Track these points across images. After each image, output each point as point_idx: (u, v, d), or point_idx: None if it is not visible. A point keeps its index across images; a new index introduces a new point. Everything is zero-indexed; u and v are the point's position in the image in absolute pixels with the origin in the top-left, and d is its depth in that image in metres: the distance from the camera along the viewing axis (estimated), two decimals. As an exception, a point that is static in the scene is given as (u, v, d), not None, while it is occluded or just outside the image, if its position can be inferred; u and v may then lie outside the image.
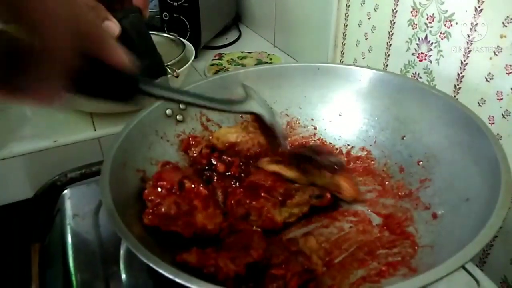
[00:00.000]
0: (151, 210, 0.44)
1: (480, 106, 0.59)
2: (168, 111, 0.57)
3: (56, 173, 0.66)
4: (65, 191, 0.61)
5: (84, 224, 0.55)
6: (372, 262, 0.44)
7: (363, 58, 0.81)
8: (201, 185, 0.46)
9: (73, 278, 0.48)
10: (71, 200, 0.59)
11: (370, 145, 0.59)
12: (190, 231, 0.44)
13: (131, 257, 0.48)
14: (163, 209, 0.43)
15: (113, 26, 0.47)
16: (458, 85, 0.62)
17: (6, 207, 0.71)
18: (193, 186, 0.46)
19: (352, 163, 0.59)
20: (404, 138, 0.56)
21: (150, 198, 0.44)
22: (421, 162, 0.52)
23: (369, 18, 0.77)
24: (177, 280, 0.32)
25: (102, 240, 0.52)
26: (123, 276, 0.47)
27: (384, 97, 0.59)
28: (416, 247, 0.44)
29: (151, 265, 0.34)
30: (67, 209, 0.58)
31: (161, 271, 0.33)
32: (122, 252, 0.49)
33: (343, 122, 0.62)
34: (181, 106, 0.59)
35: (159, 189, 0.45)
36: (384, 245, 0.46)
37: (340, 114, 0.62)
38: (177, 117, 0.58)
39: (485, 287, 0.45)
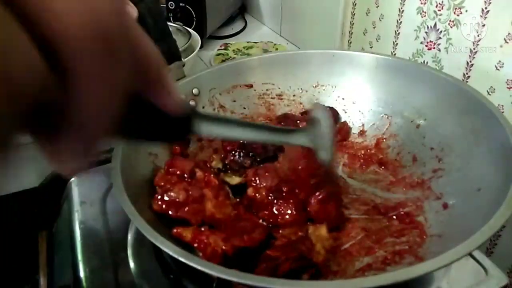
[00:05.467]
0: (159, 196, 0.44)
1: (490, 94, 0.58)
2: (181, 97, 0.57)
3: (63, 162, 0.66)
4: (73, 179, 0.60)
5: (92, 211, 0.55)
6: (379, 250, 0.43)
7: (371, 47, 0.80)
8: (212, 175, 0.46)
9: (81, 265, 0.48)
10: (79, 188, 0.59)
11: (384, 134, 0.58)
12: (198, 219, 0.44)
13: (139, 243, 0.49)
14: (172, 195, 0.43)
15: (131, 10, 0.47)
16: (467, 73, 0.61)
17: (14, 195, 0.71)
18: (204, 175, 0.46)
19: (363, 151, 0.58)
20: (419, 126, 0.55)
21: (160, 184, 0.45)
22: (435, 152, 0.51)
23: (377, 6, 0.76)
24: (183, 260, 0.33)
25: (110, 227, 0.53)
26: (131, 262, 0.47)
27: (399, 85, 0.57)
28: (424, 237, 0.44)
29: (159, 245, 0.34)
30: (75, 196, 0.58)
31: (168, 251, 0.34)
32: (130, 238, 0.49)
33: (357, 110, 0.61)
34: (194, 91, 0.59)
35: (170, 176, 0.45)
36: (393, 233, 0.46)
37: (354, 102, 0.61)
38: (190, 102, 0.58)
39: (493, 275, 0.45)
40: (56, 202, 0.61)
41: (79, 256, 0.49)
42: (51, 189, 0.64)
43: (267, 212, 0.46)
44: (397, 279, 0.31)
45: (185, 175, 0.45)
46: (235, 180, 0.50)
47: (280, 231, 0.44)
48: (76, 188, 0.59)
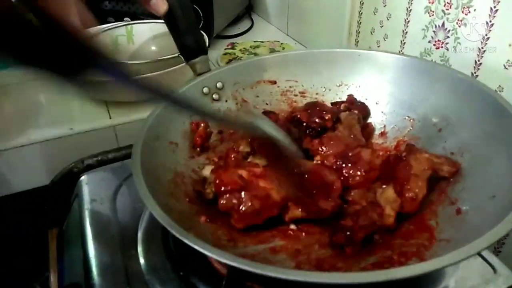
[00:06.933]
0: (237, 216, 0.44)
1: (500, 94, 0.58)
2: (205, 89, 0.59)
3: (72, 160, 0.66)
4: (83, 177, 0.61)
5: (102, 209, 0.56)
6: (386, 250, 0.43)
7: (378, 46, 0.80)
8: (253, 166, 0.47)
9: (92, 262, 0.49)
10: (89, 186, 0.60)
11: (404, 136, 0.57)
12: (278, 209, 0.45)
13: (149, 240, 0.49)
14: (247, 209, 0.44)
15: (160, 3, 0.48)
16: (475, 72, 0.61)
17: (24, 193, 0.72)
18: (248, 173, 0.46)
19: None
20: (441, 130, 0.53)
21: (229, 206, 0.45)
22: (455, 156, 0.50)
23: (384, 6, 0.76)
24: (191, 244, 0.34)
25: (120, 224, 0.53)
26: (141, 259, 0.48)
27: (424, 87, 0.56)
28: (433, 240, 0.43)
29: (174, 233, 0.35)
30: (85, 194, 0.58)
31: (175, 233, 0.35)
32: (140, 235, 0.50)
33: (379, 111, 0.60)
34: (218, 85, 0.60)
35: (229, 195, 0.45)
36: (402, 235, 0.45)
37: (377, 103, 0.61)
38: (213, 95, 0.60)
39: (501, 274, 0.45)
40: (66, 200, 0.62)
41: (90, 253, 0.50)
42: (61, 187, 0.64)
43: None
44: (404, 275, 0.31)
45: (240, 185, 0.45)
46: (265, 162, 0.52)
47: (352, 194, 0.47)
48: (86, 186, 0.60)
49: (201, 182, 0.49)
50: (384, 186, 0.46)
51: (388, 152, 0.57)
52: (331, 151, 0.52)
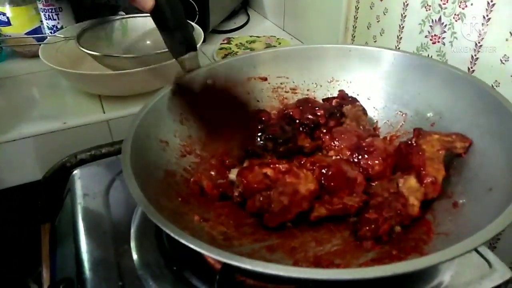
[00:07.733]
0: (267, 215, 0.44)
1: (494, 88, 0.58)
2: None
3: (65, 155, 0.66)
4: (75, 171, 0.61)
5: (95, 204, 0.55)
6: (385, 246, 0.43)
7: (375, 41, 0.80)
8: (278, 163, 0.46)
9: (84, 257, 0.49)
10: (81, 180, 0.59)
11: (397, 131, 0.57)
12: (308, 204, 0.45)
13: (142, 236, 0.49)
14: (276, 207, 0.43)
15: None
16: (472, 67, 0.61)
17: (16, 188, 0.72)
18: (274, 170, 0.45)
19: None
20: (434, 125, 0.53)
21: (258, 207, 0.44)
22: None
23: (381, 0, 0.75)
24: (188, 244, 0.34)
25: (113, 220, 0.53)
26: (134, 255, 0.47)
27: (416, 82, 0.56)
28: (431, 234, 0.43)
29: (164, 229, 0.35)
30: (77, 189, 0.58)
31: (170, 233, 0.34)
32: (133, 231, 0.49)
33: (371, 107, 0.60)
34: (208, 82, 0.57)
35: (257, 195, 0.44)
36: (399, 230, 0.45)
37: (369, 98, 0.61)
38: None
39: (497, 269, 0.45)
40: (59, 195, 0.62)
41: (82, 249, 0.50)
42: (54, 182, 0.64)
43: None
44: (405, 269, 0.31)
45: (266, 184, 0.44)
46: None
47: (373, 186, 0.46)
48: (79, 181, 0.59)
49: (229, 186, 0.49)
50: (405, 176, 0.45)
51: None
52: (344, 145, 0.51)
